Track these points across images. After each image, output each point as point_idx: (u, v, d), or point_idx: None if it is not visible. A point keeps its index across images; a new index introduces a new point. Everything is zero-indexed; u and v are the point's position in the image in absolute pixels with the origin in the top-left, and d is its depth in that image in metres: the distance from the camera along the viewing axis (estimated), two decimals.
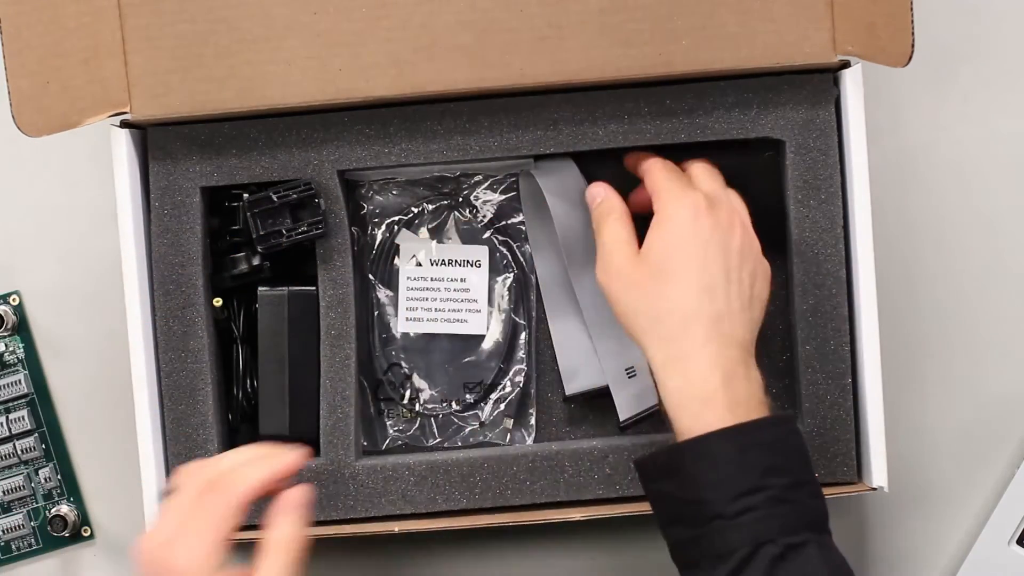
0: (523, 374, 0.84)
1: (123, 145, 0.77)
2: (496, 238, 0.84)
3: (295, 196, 0.78)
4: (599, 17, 0.75)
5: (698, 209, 0.72)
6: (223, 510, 0.66)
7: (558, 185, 0.80)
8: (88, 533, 0.88)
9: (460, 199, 0.84)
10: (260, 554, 0.67)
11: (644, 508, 0.78)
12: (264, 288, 0.81)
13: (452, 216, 0.84)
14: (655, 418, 0.81)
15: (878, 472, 0.77)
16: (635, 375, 0.81)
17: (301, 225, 0.79)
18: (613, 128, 0.78)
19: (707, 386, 0.69)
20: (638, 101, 0.78)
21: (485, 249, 0.84)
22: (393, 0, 0.75)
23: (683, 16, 0.75)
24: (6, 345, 0.87)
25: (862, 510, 0.87)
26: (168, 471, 0.79)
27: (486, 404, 0.84)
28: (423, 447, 0.84)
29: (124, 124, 0.78)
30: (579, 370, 0.83)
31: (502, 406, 0.84)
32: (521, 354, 0.84)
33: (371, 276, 0.84)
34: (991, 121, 0.87)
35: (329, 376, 0.80)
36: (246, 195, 0.79)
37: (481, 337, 0.84)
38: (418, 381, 0.84)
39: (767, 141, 0.79)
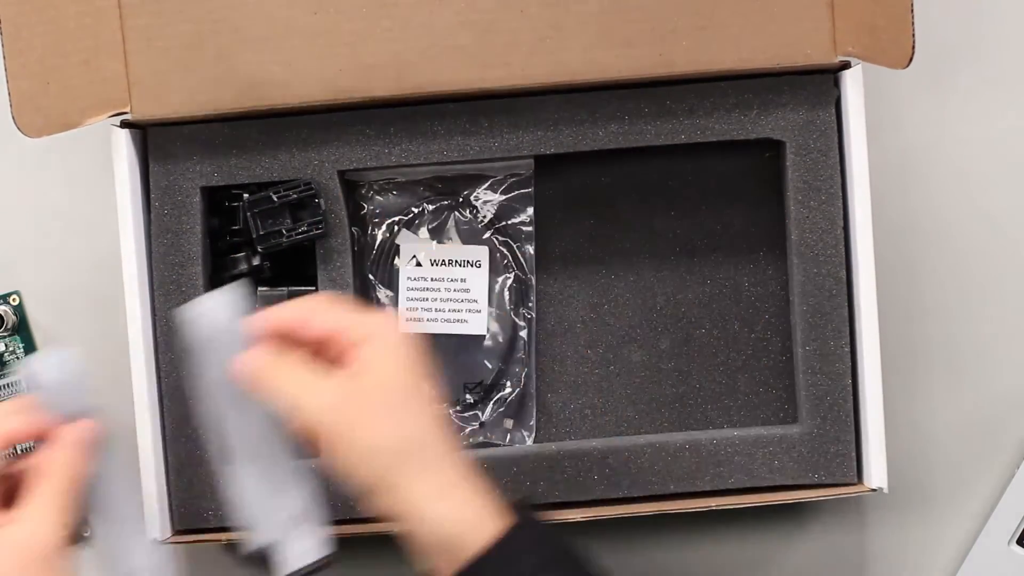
0: (523, 374, 0.84)
1: (123, 145, 0.77)
2: (496, 238, 0.84)
3: (295, 196, 0.78)
4: (599, 17, 0.75)
5: (397, 329, 0.66)
6: None
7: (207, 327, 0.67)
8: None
9: (460, 199, 0.84)
10: (29, 482, 0.67)
11: (645, 509, 0.78)
12: (264, 288, 0.81)
13: (452, 216, 0.84)
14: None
15: (878, 474, 0.77)
16: (300, 523, 0.70)
17: (301, 225, 0.79)
18: (614, 129, 0.78)
19: (477, 500, 0.64)
20: (638, 102, 0.78)
21: (485, 249, 0.84)
22: (393, 1, 0.75)
23: (683, 16, 0.75)
24: (6, 345, 0.87)
25: (862, 511, 0.86)
26: (168, 471, 0.79)
27: (486, 404, 0.84)
28: None
29: (124, 124, 0.78)
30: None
31: (502, 406, 0.84)
32: (521, 354, 0.84)
33: (371, 276, 0.84)
34: (992, 121, 0.87)
35: None
36: (246, 195, 0.79)
37: (481, 337, 0.84)
38: None
39: (767, 142, 0.79)
